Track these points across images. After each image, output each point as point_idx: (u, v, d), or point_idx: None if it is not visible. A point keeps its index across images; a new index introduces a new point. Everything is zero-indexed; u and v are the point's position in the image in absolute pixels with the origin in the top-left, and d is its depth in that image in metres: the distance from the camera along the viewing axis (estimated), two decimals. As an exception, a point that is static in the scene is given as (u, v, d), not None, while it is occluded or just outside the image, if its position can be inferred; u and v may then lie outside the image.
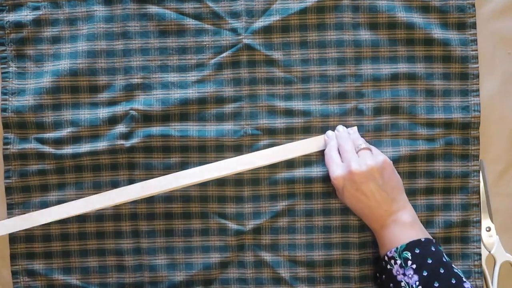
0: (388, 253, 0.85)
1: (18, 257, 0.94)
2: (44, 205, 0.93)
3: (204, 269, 0.94)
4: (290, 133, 0.94)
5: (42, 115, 0.93)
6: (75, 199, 0.92)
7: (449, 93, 0.94)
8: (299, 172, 0.94)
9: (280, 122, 0.94)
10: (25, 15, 0.94)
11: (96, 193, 0.92)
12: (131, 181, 0.94)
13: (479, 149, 0.94)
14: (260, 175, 0.94)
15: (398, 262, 0.83)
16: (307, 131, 0.94)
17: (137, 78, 0.94)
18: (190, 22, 0.94)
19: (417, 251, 0.83)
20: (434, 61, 0.94)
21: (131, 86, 0.94)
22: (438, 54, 0.94)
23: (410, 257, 0.83)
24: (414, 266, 0.82)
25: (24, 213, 0.93)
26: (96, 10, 0.94)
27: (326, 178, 0.93)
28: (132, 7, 0.94)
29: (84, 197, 0.92)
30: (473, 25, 0.94)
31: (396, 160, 0.93)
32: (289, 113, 0.94)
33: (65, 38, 0.94)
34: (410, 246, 0.83)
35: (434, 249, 0.84)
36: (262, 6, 0.94)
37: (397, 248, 0.84)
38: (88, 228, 0.93)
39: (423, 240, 0.84)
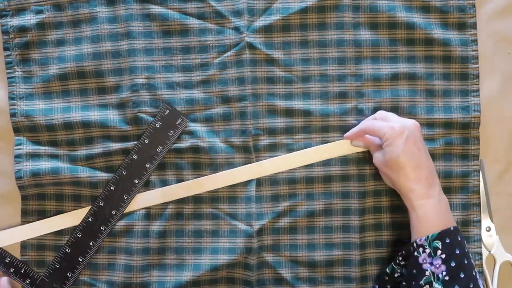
0: (417, 240, 0.83)
1: (28, 248, 0.94)
2: (60, 197, 0.94)
3: (211, 270, 0.93)
4: (290, 133, 0.94)
5: (52, 118, 0.93)
6: (89, 199, 0.94)
7: (449, 93, 0.94)
8: (300, 173, 0.94)
9: (280, 122, 0.94)
10: (29, 19, 0.94)
11: None
12: (145, 182, 0.94)
13: (479, 149, 0.94)
14: (262, 176, 0.94)
15: (427, 251, 0.82)
16: (307, 130, 0.94)
17: (142, 78, 0.93)
18: (193, 22, 0.94)
19: (447, 240, 0.81)
20: (434, 61, 0.94)
21: (137, 86, 0.93)
22: (438, 54, 0.94)
23: (440, 247, 0.81)
24: (443, 256, 0.81)
25: (39, 208, 0.94)
26: (99, 12, 0.94)
27: (327, 179, 0.94)
28: (135, 7, 0.94)
29: (95, 196, 0.93)
30: (474, 25, 0.94)
31: (396, 160, 0.93)
32: (289, 112, 0.94)
33: (69, 40, 0.94)
34: (442, 235, 0.82)
35: (460, 239, 0.83)
36: (263, 4, 0.94)
37: (427, 237, 0.82)
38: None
39: (452, 229, 0.83)
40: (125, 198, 0.92)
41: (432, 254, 0.82)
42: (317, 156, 0.94)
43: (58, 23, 0.94)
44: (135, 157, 0.93)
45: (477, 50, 0.94)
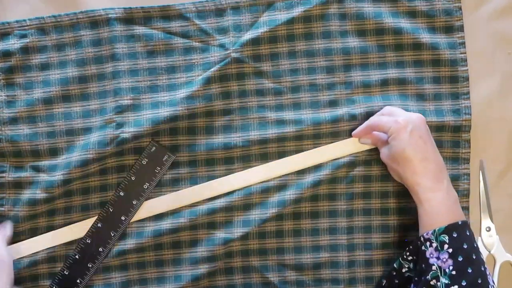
0: (424, 234, 0.83)
1: None
2: (34, 232, 0.94)
3: (193, 280, 0.94)
4: (281, 141, 0.94)
5: (37, 143, 0.93)
6: (63, 223, 0.94)
7: (440, 97, 0.94)
8: (292, 180, 0.94)
9: (271, 133, 0.94)
10: (13, 43, 0.94)
11: (84, 216, 0.94)
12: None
13: (469, 152, 0.94)
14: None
15: (434, 245, 0.82)
16: (299, 139, 0.94)
17: (127, 100, 0.94)
18: (178, 41, 0.95)
19: (455, 235, 0.81)
20: (423, 65, 0.94)
21: (121, 107, 0.93)
22: (427, 58, 0.94)
23: (447, 241, 0.81)
24: (450, 250, 0.81)
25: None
26: (83, 35, 0.94)
27: (316, 183, 0.93)
28: (119, 29, 0.94)
29: (71, 220, 0.94)
30: (461, 28, 0.94)
31: (386, 163, 0.94)
32: (280, 123, 0.94)
33: (54, 64, 0.94)
34: (449, 229, 0.81)
35: (468, 233, 0.82)
36: (249, 20, 0.94)
37: (434, 231, 0.82)
38: (71, 251, 0.94)
39: (460, 223, 0.82)
40: (112, 235, 0.93)
41: (439, 248, 0.81)
42: (324, 156, 0.94)
43: (42, 47, 0.94)
44: (121, 194, 0.93)
45: (465, 53, 0.94)
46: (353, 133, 0.93)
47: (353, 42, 0.95)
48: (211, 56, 0.94)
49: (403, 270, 0.87)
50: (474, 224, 0.95)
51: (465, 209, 0.94)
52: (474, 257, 0.81)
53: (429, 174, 0.84)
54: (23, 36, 0.95)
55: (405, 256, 0.87)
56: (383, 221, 0.95)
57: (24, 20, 0.95)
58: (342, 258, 0.94)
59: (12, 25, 0.95)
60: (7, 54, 0.94)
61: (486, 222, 0.95)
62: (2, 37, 0.95)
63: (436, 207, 0.84)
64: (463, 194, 0.94)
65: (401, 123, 0.85)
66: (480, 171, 0.95)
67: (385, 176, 0.94)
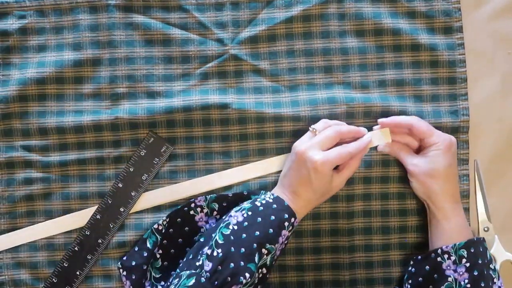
0: (443, 247, 0.85)
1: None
2: (31, 214, 0.94)
3: None
4: (279, 137, 0.94)
5: (27, 122, 0.94)
6: (61, 209, 0.94)
7: (438, 98, 0.94)
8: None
9: (268, 126, 0.93)
10: (11, 23, 0.95)
11: (82, 204, 0.94)
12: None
13: (468, 153, 0.94)
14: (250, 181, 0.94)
15: (452, 258, 0.85)
16: (297, 135, 0.92)
17: (123, 87, 0.94)
18: (176, 32, 0.95)
19: (472, 250, 0.85)
20: (421, 66, 0.94)
21: (117, 95, 0.94)
22: (426, 59, 0.94)
23: (465, 255, 0.84)
24: (467, 264, 0.84)
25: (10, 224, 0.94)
26: (82, 19, 0.94)
27: None
28: (118, 16, 0.95)
29: (70, 207, 0.94)
30: (460, 29, 0.94)
31: (386, 164, 0.94)
32: (278, 119, 0.93)
33: (51, 47, 0.95)
34: (468, 244, 0.85)
35: (482, 249, 0.86)
36: (248, 16, 0.95)
37: (454, 245, 0.85)
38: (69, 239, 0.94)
39: (475, 239, 0.86)
40: (111, 226, 0.93)
41: (457, 261, 0.84)
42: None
43: (40, 28, 0.95)
44: (120, 185, 0.93)
45: (464, 54, 0.94)
46: (387, 120, 0.90)
47: (352, 42, 0.95)
48: (208, 50, 0.95)
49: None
50: (472, 225, 0.95)
51: (465, 210, 0.93)
52: (485, 272, 0.85)
53: (453, 196, 0.88)
54: (22, 17, 0.95)
55: (411, 268, 0.89)
56: (384, 223, 0.94)
57: (24, 1, 0.95)
58: (343, 260, 0.94)
59: (11, 5, 0.95)
60: (5, 34, 0.95)
61: (484, 222, 0.95)
62: (0, 17, 0.95)
63: (454, 224, 0.87)
64: (463, 195, 0.94)
65: (447, 142, 0.87)
66: (475, 172, 0.95)
67: (385, 177, 0.94)
